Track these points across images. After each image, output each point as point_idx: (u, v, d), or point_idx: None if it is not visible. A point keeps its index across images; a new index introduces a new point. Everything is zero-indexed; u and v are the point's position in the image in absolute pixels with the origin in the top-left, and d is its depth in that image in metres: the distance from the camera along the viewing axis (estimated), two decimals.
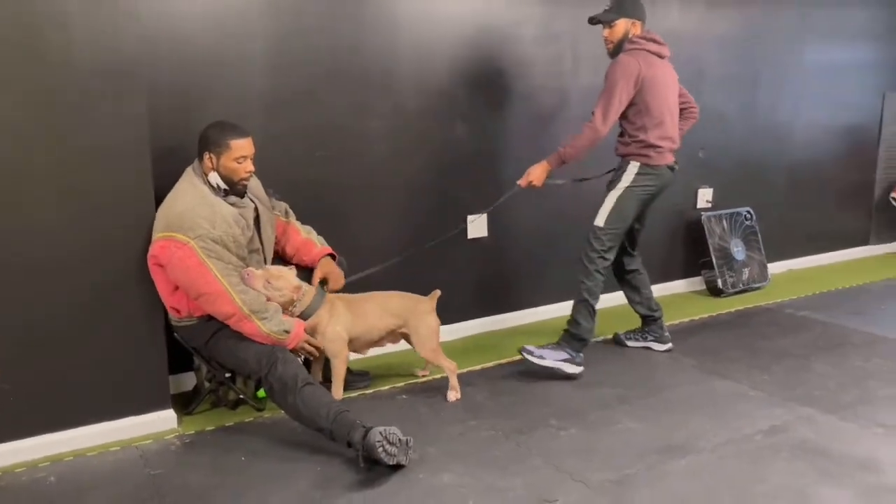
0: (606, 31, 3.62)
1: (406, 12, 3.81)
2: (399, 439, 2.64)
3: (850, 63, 5.73)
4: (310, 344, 3.10)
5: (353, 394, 3.42)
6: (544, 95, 4.32)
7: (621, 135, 3.67)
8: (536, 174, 3.61)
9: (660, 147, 3.58)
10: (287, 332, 2.95)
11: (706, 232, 5.08)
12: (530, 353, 3.57)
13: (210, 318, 2.96)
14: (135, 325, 2.96)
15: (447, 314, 4.02)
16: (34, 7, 2.63)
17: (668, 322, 4.12)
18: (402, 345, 3.48)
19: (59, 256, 2.79)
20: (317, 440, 2.84)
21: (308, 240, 3.35)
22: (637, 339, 4.01)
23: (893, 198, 6.14)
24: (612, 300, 4.40)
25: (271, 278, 3.00)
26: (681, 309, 4.71)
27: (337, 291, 3.33)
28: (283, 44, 3.50)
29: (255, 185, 3.16)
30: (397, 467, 2.67)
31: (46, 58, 2.68)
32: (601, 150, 3.60)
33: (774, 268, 5.53)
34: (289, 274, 3.08)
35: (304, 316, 3.13)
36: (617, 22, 3.57)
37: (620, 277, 3.97)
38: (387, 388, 3.50)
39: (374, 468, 2.66)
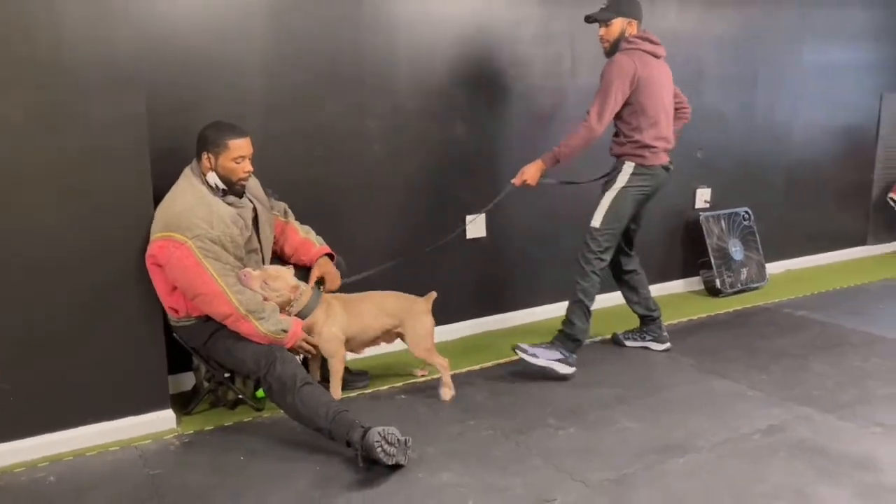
0: (602, 30, 3.62)
1: (405, 13, 3.81)
2: (398, 439, 2.64)
3: (849, 64, 5.74)
4: (307, 342, 3.10)
5: (352, 393, 3.42)
6: (543, 95, 4.33)
7: (616, 135, 3.67)
8: (531, 173, 3.61)
9: (654, 147, 3.58)
10: (285, 331, 2.95)
11: (704, 232, 5.09)
12: (524, 350, 3.57)
13: (208, 318, 2.96)
14: (134, 325, 2.97)
15: (446, 314, 4.04)
16: (30, 8, 2.63)
17: (666, 322, 4.13)
18: (402, 345, 3.48)
19: (58, 257, 2.79)
20: (316, 440, 2.84)
21: (306, 239, 3.35)
22: (635, 339, 4.02)
23: (891, 198, 6.15)
24: (611, 300, 4.40)
25: (268, 279, 3.00)
26: (679, 309, 4.72)
27: (333, 291, 3.33)
28: (281, 44, 3.51)
29: (253, 185, 3.16)
30: (396, 467, 2.68)
31: (45, 59, 2.68)
32: (596, 150, 3.61)
33: (772, 268, 5.54)
34: (286, 274, 3.08)
35: (300, 315, 3.13)
36: (613, 21, 3.57)
37: (618, 278, 3.98)
38: (385, 387, 3.51)
39: (373, 468, 2.66)
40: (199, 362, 3.19)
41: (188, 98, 3.30)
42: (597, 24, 3.64)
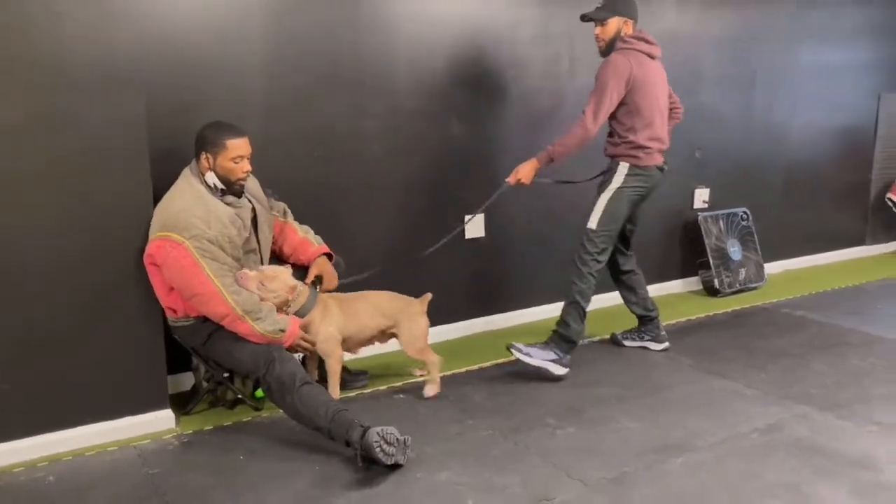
0: (598, 29, 3.61)
1: (403, 13, 3.81)
2: (397, 439, 2.65)
3: (847, 64, 5.75)
4: (304, 340, 3.10)
5: (351, 393, 3.42)
6: (541, 96, 4.33)
7: (610, 135, 3.66)
8: (525, 172, 3.61)
9: (649, 148, 3.58)
10: (282, 330, 2.95)
11: (703, 232, 5.10)
12: (519, 350, 3.57)
13: (207, 318, 2.96)
14: (134, 325, 2.97)
15: (445, 314, 4.05)
16: (30, 9, 2.64)
17: (664, 322, 4.13)
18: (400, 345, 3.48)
19: (58, 257, 2.79)
20: (315, 439, 2.85)
21: (305, 239, 3.35)
22: (634, 339, 4.02)
23: (889, 198, 6.16)
24: (609, 300, 4.40)
25: (265, 280, 3.00)
26: (678, 309, 4.72)
27: (330, 291, 3.33)
28: (281, 45, 3.51)
29: (253, 185, 3.17)
30: (395, 466, 2.68)
31: (45, 60, 2.69)
32: (591, 149, 3.61)
33: (771, 268, 5.55)
34: (283, 274, 3.07)
35: (298, 315, 3.12)
36: (609, 20, 3.57)
37: (616, 278, 3.98)
38: (384, 387, 3.51)
39: (372, 467, 2.66)
40: (198, 362, 3.20)
41: (188, 99, 3.30)
42: (592, 24, 3.64)
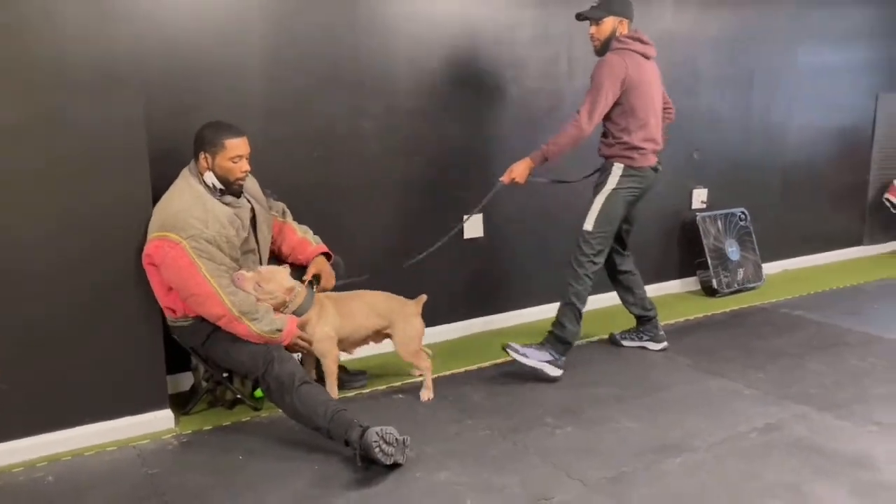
0: (593, 29, 3.61)
1: (403, 14, 3.82)
2: (396, 439, 2.65)
3: (844, 64, 5.76)
4: (301, 339, 3.09)
5: (350, 393, 3.42)
6: (540, 97, 4.34)
7: (604, 135, 3.66)
8: (519, 171, 3.60)
9: (643, 149, 3.58)
10: (279, 330, 2.94)
11: (701, 232, 5.10)
12: (515, 350, 3.56)
13: (205, 318, 2.96)
14: (133, 325, 2.97)
15: (444, 314, 4.06)
16: (28, 10, 2.64)
17: (663, 322, 4.13)
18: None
19: (57, 257, 2.80)
20: (314, 439, 2.85)
21: (304, 239, 3.35)
22: (632, 339, 4.02)
23: (887, 199, 6.17)
24: (608, 300, 4.41)
25: (262, 281, 2.98)
26: (676, 309, 4.73)
27: (327, 290, 3.33)
28: (281, 46, 3.52)
29: (252, 185, 3.17)
30: (394, 466, 2.68)
31: (44, 61, 2.69)
32: (586, 149, 3.61)
33: (769, 268, 5.55)
34: (280, 275, 3.05)
35: (295, 314, 3.12)
36: (605, 19, 3.56)
37: (613, 278, 3.98)
38: (383, 387, 3.51)
39: (371, 467, 2.66)
40: (198, 362, 3.20)
41: (188, 100, 3.31)
42: (588, 23, 3.64)
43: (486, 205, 3.83)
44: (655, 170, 3.67)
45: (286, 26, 3.52)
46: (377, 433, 2.61)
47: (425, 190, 4.04)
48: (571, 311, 3.61)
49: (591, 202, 3.63)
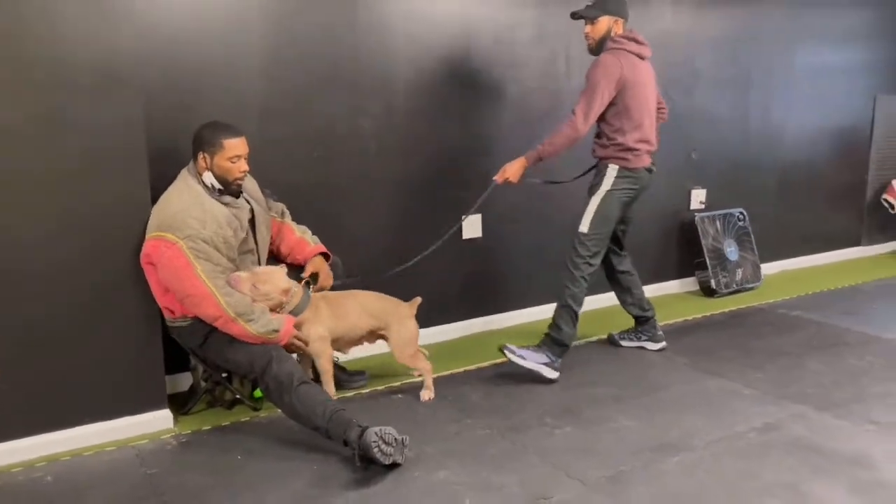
0: (588, 28, 3.60)
1: (401, 14, 3.82)
2: (395, 439, 2.65)
3: (842, 65, 5.77)
4: (298, 339, 3.09)
5: (350, 393, 3.43)
6: (539, 97, 4.34)
7: (598, 136, 3.65)
8: (513, 170, 3.59)
9: (637, 150, 3.58)
10: (276, 330, 2.93)
11: (699, 233, 5.11)
12: (512, 351, 3.55)
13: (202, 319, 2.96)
14: (133, 325, 2.97)
15: (442, 314, 4.06)
16: (27, 10, 2.64)
17: (661, 322, 4.14)
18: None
19: (57, 257, 2.80)
20: (313, 439, 2.85)
21: (302, 239, 3.36)
22: (631, 339, 4.03)
23: (885, 199, 6.18)
24: (606, 301, 4.41)
25: (258, 282, 2.97)
26: (674, 309, 4.73)
27: (324, 289, 3.33)
28: (280, 47, 3.52)
29: (251, 185, 3.17)
30: (393, 466, 2.68)
31: (43, 62, 2.69)
32: (581, 150, 3.61)
33: (767, 268, 5.56)
34: (276, 276, 3.04)
35: (291, 314, 3.12)
36: (600, 19, 3.56)
37: (611, 278, 3.98)
38: (383, 387, 3.52)
39: (370, 467, 2.66)
40: (197, 362, 3.20)
41: (188, 100, 3.31)
42: (583, 22, 3.64)
43: (482, 205, 3.83)
44: (650, 171, 3.66)
45: (286, 26, 3.52)
46: (376, 433, 2.62)
47: (425, 189, 4.04)
48: (567, 313, 3.60)
49: (585, 204, 3.62)
